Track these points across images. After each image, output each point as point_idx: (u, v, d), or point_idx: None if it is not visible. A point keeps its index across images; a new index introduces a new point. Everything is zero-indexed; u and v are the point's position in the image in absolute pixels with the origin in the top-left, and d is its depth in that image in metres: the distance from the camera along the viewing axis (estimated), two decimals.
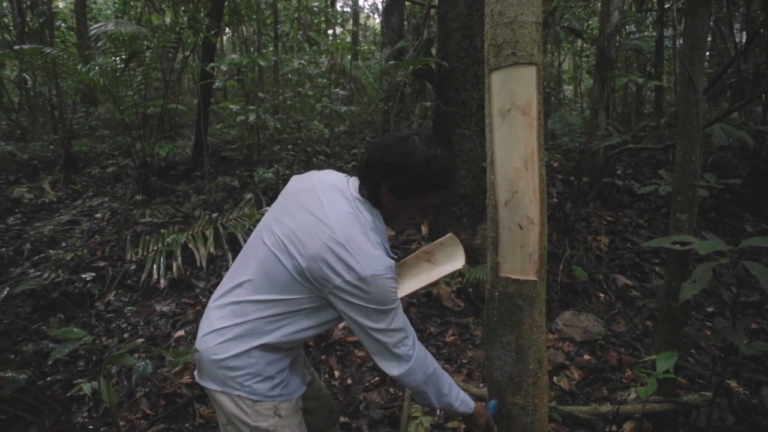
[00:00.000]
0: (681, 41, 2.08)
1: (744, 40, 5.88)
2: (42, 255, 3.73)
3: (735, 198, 4.22)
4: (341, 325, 2.82)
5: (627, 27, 7.85)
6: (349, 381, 2.47)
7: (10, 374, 2.22)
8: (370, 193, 1.29)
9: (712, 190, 3.90)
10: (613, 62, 5.02)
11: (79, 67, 4.58)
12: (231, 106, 3.91)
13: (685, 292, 1.81)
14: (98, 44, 4.72)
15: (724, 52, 5.77)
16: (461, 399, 1.41)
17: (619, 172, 5.04)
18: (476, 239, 3.21)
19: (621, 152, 4.45)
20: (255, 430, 1.31)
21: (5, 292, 3.18)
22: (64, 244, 4.04)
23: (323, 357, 2.62)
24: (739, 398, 2.34)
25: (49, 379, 2.47)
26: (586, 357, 2.64)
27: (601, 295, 3.20)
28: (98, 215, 4.80)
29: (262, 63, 4.42)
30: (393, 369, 1.27)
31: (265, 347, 1.28)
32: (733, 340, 1.96)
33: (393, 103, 5.98)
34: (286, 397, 1.35)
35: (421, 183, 1.25)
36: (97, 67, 4.71)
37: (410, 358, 1.27)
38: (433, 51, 3.81)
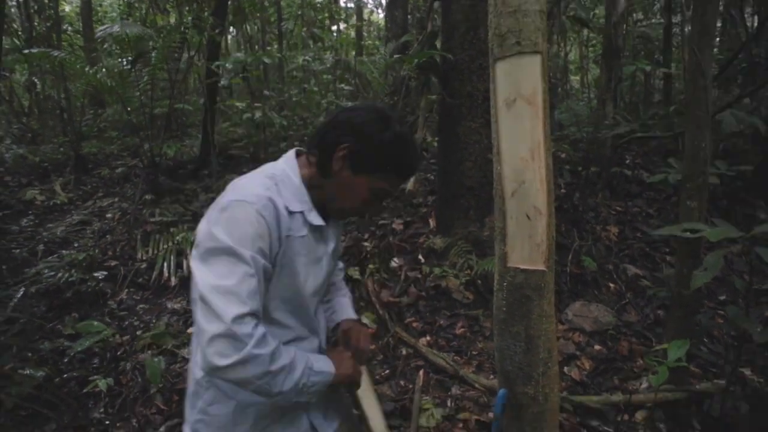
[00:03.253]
0: (689, 27, 2.05)
1: (756, 24, 5.78)
2: (55, 255, 3.79)
3: (747, 185, 4.16)
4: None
5: (634, 14, 7.74)
6: None
7: (28, 371, 2.27)
8: (321, 158, 1.08)
9: (723, 178, 3.84)
10: (621, 51, 4.96)
11: (86, 69, 4.63)
12: (237, 104, 3.93)
13: (696, 280, 1.80)
14: (104, 46, 4.76)
15: (734, 37, 5.67)
16: (314, 370, 1.05)
17: (627, 161, 4.99)
18: (484, 231, 3.20)
19: (629, 141, 4.41)
20: None
21: (21, 292, 3.24)
22: (76, 245, 4.09)
23: None
24: (753, 386, 2.32)
25: (65, 376, 2.51)
26: (597, 347, 2.63)
27: (611, 285, 3.18)
28: (109, 215, 4.85)
29: (266, 60, 4.43)
30: (216, 357, 0.89)
31: (208, 383, 1.08)
32: (746, 328, 1.95)
33: (398, 98, 5.97)
34: None
35: (384, 158, 1.07)
36: (104, 69, 4.75)
37: (250, 339, 0.91)
38: (438, 44, 3.79)
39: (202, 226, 0.99)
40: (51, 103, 8.83)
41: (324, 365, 1.09)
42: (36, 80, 8.00)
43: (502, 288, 1.43)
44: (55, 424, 2.21)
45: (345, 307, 1.38)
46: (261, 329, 0.95)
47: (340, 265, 1.45)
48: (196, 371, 1.11)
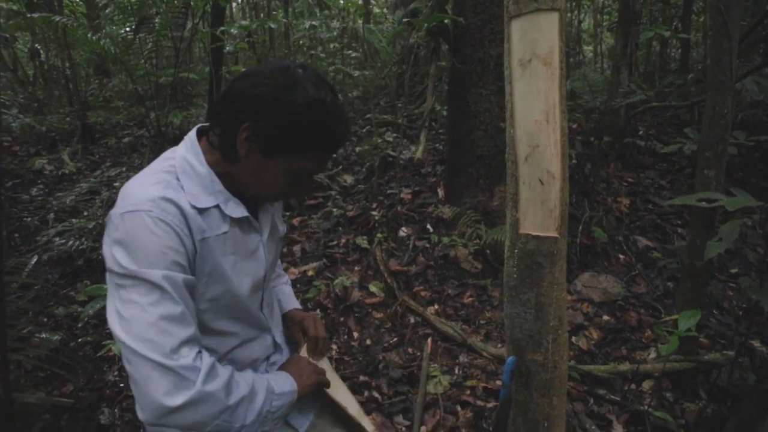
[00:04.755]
0: None
1: None
2: (65, 224, 3.81)
3: (764, 156, 4.06)
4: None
5: None
6: (368, 342, 2.51)
7: (44, 335, 2.32)
8: (223, 142, 0.88)
9: (741, 149, 3.75)
10: (638, 16, 4.78)
11: (89, 35, 4.55)
12: (243, 70, 3.87)
13: (710, 250, 1.77)
14: (106, 11, 4.66)
15: (758, 1, 5.43)
16: (276, 393, 0.94)
17: (641, 132, 4.88)
18: (493, 200, 3.16)
19: (643, 111, 4.29)
20: None
21: (34, 260, 3.28)
22: (86, 213, 4.12)
23: (342, 319, 2.66)
24: (762, 357, 2.32)
25: (80, 340, 2.56)
26: (605, 318, 2.63)
27: (621, 256, 3.15)
28: (116, 184, 4.87)
29: (272, 25, 4.32)
30: (162, 398, 0.75)
31: None
32: (759, 299, 1.92)
33: (407, 67, 5.84)
34: None
35: (296, 134, 0.85)
36: (107, 37, 4.67)
37: (197, 374, 0.78)
38: (449, 9, 3.66)
39: (104, 247, 0.83)
40: (56, 73, 8.75)
41: (285, 384, 0.97)
42: (39, 48, 7.90)
43: (513, 255, 1.41)
44: (72, 385, 2.27)
45: (288, 297, 1.26)
46: (207, 359, 0.81)
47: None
48: None
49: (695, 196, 1.89)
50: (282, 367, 1.07)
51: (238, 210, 0.92)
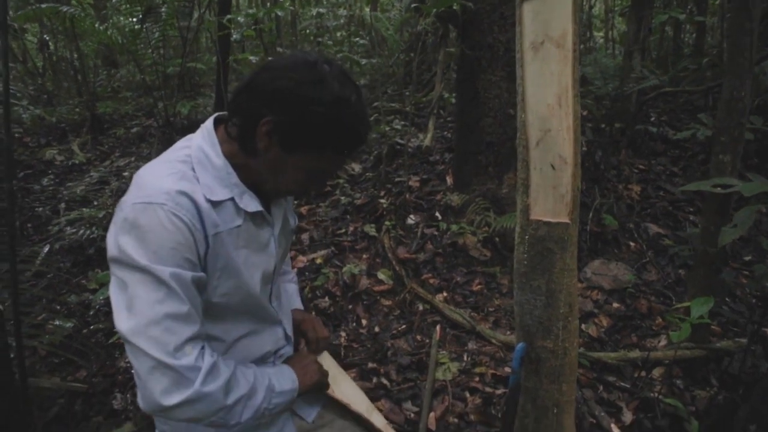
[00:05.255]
0: None
1: None
2: (76, 212, 3.85)
3: None
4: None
5: None
6: (377, 329, 2.51)
7: (57, 322, 2.36)
8: (242, 134, 0.86)
9: (757, 134, 3.67)
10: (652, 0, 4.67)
11: (96, 26, 4.55)
12: (250, 58, 3.85)
13: (725, 237, 1.74)
14: (113, 1, 4.66)
15: None
16: (277, 391, 0.94)
17: (652, 119, 4.80)
18: (503, 188, 3.14)
19: (656, 97, 4.22)
20: None
21: (46, 249, 3.33)
22: (96, 203, 4.15)
23: (350, 306, 2.67)
24: None
25: (92, 327, 2.60)
26: (615, 305, 2.61)
27: (632, 243, 3.12)
28: (126, 174, 4.90)
29: (279, 13, 4.29)
30: (159, 396, 0.76)
31: None
32: None
33: (414, 54, 5.78)
34: None
35: (318, 132, 0.83)
36: (114, 27, 4.67)
37: (197, 374, 0.78)
38: None
39: (110, 235, 0.81)
40: (64, 64, 8.79)
41: (286, 382, 0.96)
42: (47, 38, 7.93)
43: (524, 241, 1.40)
44: (86, 371, 2.31)
45: (293, 296, 1.26)
46: (208, 358, 0.81)
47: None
48: None
49: (710, 182, 1.86)
50: (287, 361, 1.06)
51: (252, 204, 0.91)
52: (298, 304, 1.26)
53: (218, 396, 0.81)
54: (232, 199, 0.88)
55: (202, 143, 0.89)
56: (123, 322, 0.77)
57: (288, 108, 0.81)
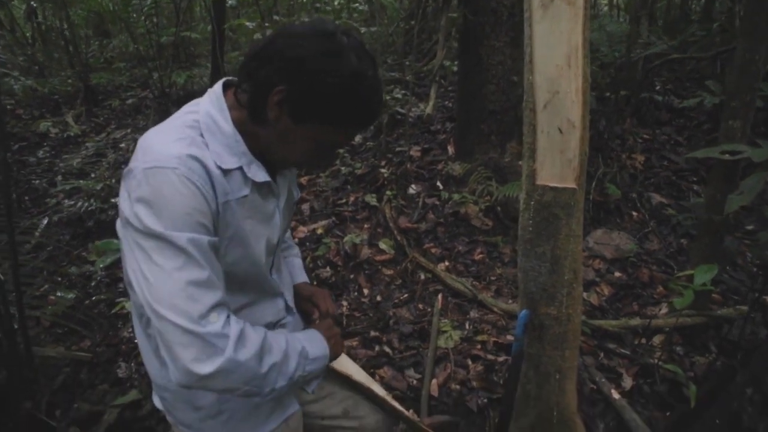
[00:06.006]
0: None
1: None
2: (73, 186, 3.82)
3: None
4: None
5: None
6: (379, 298, 2.52)
7: (60, 294, 2.36)
8: (252, 102, 0.83)
9: (766, 102, 3.61)
10: None
11: None
12: (246, 24, 3.73)
13: (731, 204, 1.72)
14: None
15: None
16: (310, 358, 0.92)
17: (658, 87, 4.71)
18: (505, 157, 3.10)
19: (662, 65, 4.12)
20: None
21: (45, 221, 3.31)
22: (93, 175, 4.11)
23: (352, 276, 2.67)
24: None
25: (94, 299, 2.61)
26: (617, 274, 2.61)
27: (635, 213, 3.10)
28: (123, 146, 4.84)
29: None
30: (193, 365, 0.74)
31: (162, 358, 0.93)
32: None
33: (415, 22, 5.62)
34: None
35: (331, 104, 0.80)
36: None
37: (226, 342, 0.76)
38: None
39: (123, 200, 0.78)
40: (54, 34, 8.56)
41: (319, 349, 0.95)
42: (35, 5, 7.69)
43: (529, 207, 1.37)
44: (90, 341, 2.32)
45: (299, 270, 1.25)
46: (235, 325, 0.78)
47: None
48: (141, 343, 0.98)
49: (718, 148, 1.82)
50: (313, 328, 1.04)
51: (260, 174, 0.88)
52: (305, 278, 1.25)
53: (252, 364, 0.79)
54: (240, 168, 0.85)
55: (210, 109, 0.85)
56: (145, 292, 0.75)
57: (302, 78, 0.78)
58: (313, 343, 0.95)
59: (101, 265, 1.46)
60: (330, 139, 0.86)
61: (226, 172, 0.83)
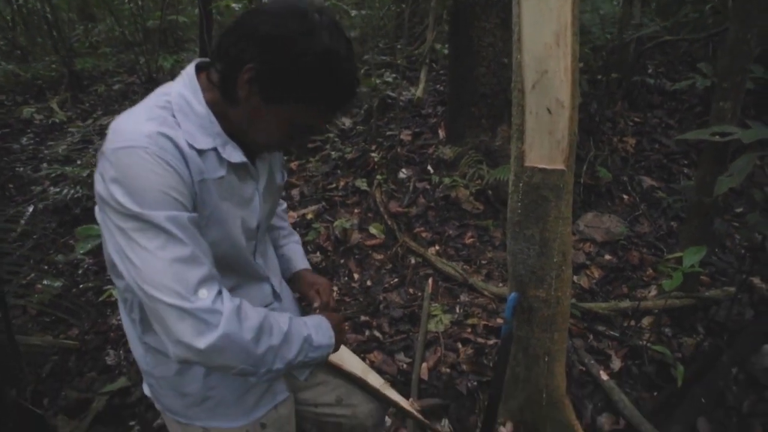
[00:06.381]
0: None
1: None
2: (59, 173, 3.75)
3: None
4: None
5: None
6: (369, 283, 2.51)
7: (46, 282, 2.33)
8: (223, 80, 0.81)
9: (757, 84, 3.59)
10: None
11: None
12: (233, 5, 3.66)
13: (721, 185, 1.71)
14: None
15: None
16: (314, 345, 0.92)
17: (650, 70, 4.69)
18: (496, 140, 3.08)
19: (654, 48, 4.09)
20: None
21: (31, 209, 3.26)
22: (79, 162, 4.04)
23: (342, 261, 2.66)
24: (761, 294, 2.33)
25: (81, 287, 2.58)
26: (607, 257, 2.62)
27: (625, 196, 3.11)
28: None
29: None
30: (193, 338, 0.74)
31: (146, 344, 0.95)
32: (765, 235, 1.90)
33: (406, 4, 5.53)
34: (220, 424, 0.98)
35: (302, 84, 0.78)
36: None
37: (218, 318, 0.75)
38: None
39: (98, 182, 0.77)
40: (36, 17, 8.34)
41: (325, 338, 0.94)
42: None
43: (518, 189, 1.36)
44: (78, 329, 2.30)
45: (300, 256, 1.25)
46: (229, 302, 0.78)
47: (283, 205, 1.29)
48: (130, 333, 0.98)
49: (709, 130, 1.81)
50: (327, 318, 1.03)
51: (235, 154, 0.86)
52: (306, 265, 1.26)
53: (247, 343, 0.78)
54: (215, 149, 0.83)
55: (182, 90, 0.83)
56: (132, 274, 0.75)
57: (273, 56, 0.77)
58: (320, 331, 0.94)
59: (81, 251, 1.44)
60: (302, 121, 0.84)
61: (200, 153, 0.82)
